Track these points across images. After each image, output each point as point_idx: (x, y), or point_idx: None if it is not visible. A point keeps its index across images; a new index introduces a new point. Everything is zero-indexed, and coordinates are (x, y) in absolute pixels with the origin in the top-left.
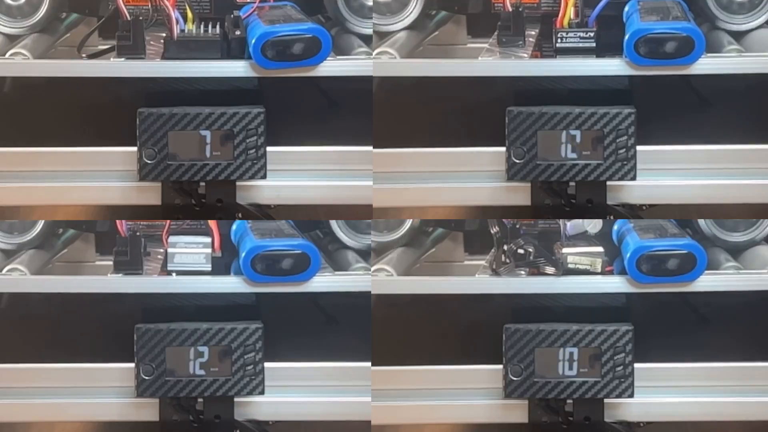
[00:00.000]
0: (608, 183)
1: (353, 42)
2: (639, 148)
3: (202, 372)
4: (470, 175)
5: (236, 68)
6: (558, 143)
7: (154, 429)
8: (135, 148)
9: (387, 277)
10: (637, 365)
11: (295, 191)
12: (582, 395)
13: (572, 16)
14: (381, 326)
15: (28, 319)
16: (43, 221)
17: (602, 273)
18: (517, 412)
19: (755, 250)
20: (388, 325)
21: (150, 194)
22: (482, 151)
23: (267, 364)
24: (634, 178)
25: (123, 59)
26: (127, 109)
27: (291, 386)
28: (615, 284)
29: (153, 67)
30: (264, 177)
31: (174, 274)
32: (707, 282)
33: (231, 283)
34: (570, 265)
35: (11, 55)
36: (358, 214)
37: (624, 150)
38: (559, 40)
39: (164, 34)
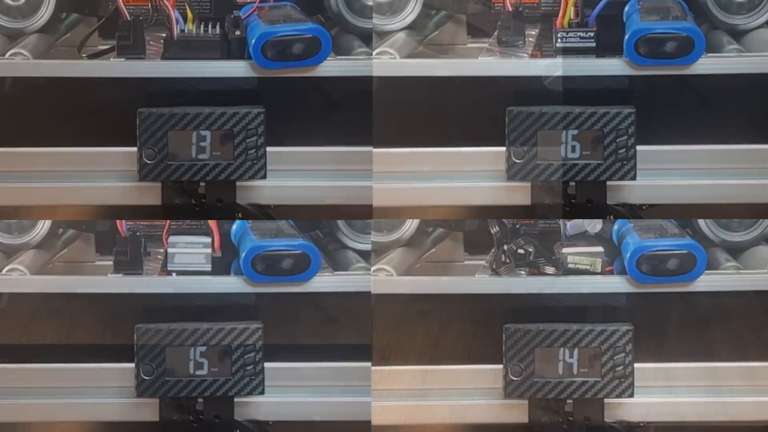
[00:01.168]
0: (608, 183)
1: (353, 42)
2: (639, 148)
3: (202, 372)
4: (470, 175)
5: (236, 68)
6: (558, 143)
7: (154, 429)
8: (135, 148)
9: (387, 277)
10: (637, 365)
11: (295, 191)
12: (582, 395)
13: (572, 16)
14: (381, 326)
15: (28, 318)
16: (43, 221)
17: (602, 273)
18: (517, 412)
19: (755, 250)
20: (387, 321)
21: (150, 194)
22: (482, 151)
23: (267, 364)
24: (634, 178)
25: (123, 59)
26: (127, 109)
27: (291, 386)
28: (615, 284)
29: (153, 67)
30: (264, 177)
31: (174, 274)
32: (707, 282)
33: (231, 283)
34: (570, 265)
35: (11, 55)
36: (358, 214)
37: (624, 150)
38: (559, 40)
39: (164, 34)
